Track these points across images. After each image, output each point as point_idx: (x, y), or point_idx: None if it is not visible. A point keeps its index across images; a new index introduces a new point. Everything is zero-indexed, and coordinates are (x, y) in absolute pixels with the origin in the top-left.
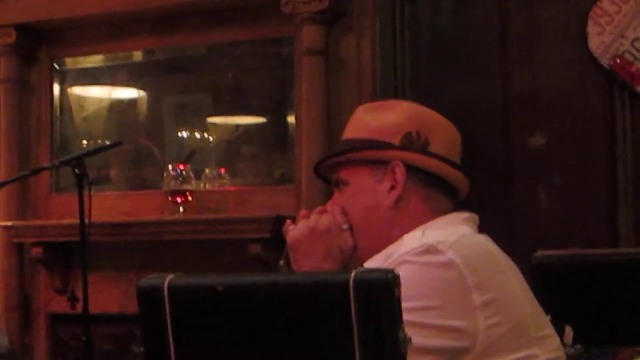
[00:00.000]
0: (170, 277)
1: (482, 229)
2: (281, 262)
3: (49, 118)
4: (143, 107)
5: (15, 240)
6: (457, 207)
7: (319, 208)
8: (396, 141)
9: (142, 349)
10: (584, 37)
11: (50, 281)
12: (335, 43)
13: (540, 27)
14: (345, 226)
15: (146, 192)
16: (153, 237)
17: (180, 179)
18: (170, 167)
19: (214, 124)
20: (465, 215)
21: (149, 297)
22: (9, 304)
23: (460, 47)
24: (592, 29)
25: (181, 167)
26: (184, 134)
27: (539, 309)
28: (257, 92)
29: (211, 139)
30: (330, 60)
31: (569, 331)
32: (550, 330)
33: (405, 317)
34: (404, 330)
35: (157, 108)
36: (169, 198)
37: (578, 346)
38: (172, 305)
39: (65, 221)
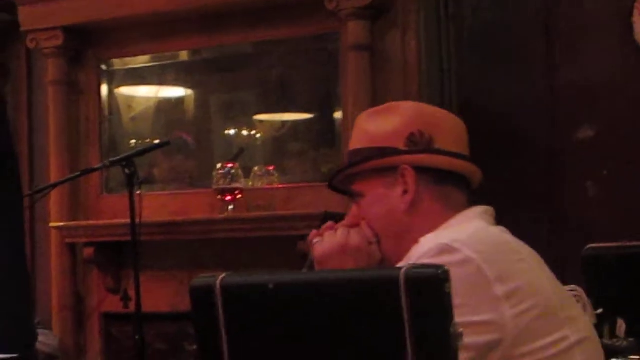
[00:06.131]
0: (222, 275)
1: (530, 223)
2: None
3: (97, 119)
4: (190, 106)
5: (67, 241)
6: (497, 198)
7: (345, 222)
8: (401, 144)
9: (195, 347)
10: (629, 27)
11: (102, 281)
12: (380, 38)
13: (585, 19)
14: (373, 240)
15: (195, 190)
16: (203, 236)
17: (229, 177)
18: (219, 165)
19: (261, 121)
20: (480, 209)
21: (201, 296)
22: (63, 304)
23: (505, 40)
24: (637, 20)
25: (230, 165)
26: (232, 131)
27: (564, 290)
28: (303, 88)
29: (258, 136)
30: (375, 56)
31: (621, 324)
32: (577, 310)
33: None
34: (455, 325)
35: (204, 106)
36: (218, 196)
37: (631, 339)
38: (224, 304)
39: (116, 221)
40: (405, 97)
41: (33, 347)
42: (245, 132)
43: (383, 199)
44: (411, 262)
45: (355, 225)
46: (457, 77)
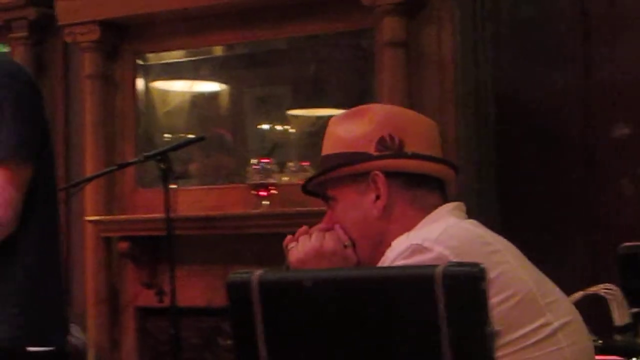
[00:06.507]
0: (259, 272)
1: (565, 220)
2: None
3: (133, 113)
4: (225, 101)
5: (102, 235)
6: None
7: (320, 226)
8: (371, 149)
9: (229, 342)
10: None
11: (137, 275)
12: (415, 34)
13: (622, 14)
14: (347, 243)
15: (230, 185)
16: (238, 231)
17: (264, 172)
18: (254, 161)
19: (295, 117)
20: (450, 206)
21: (238, 292)
22: (98, 298)
23: (542, 36)
24: None
25: (265, 160)
26: (265, 126)
27: (542, 277)
28: (338, 84)
29: (292, 131)
30: (411, 52)
31: None
32: (558, 294)
33: None
34: (490, 323)
35: (238, 101)
36: (253, 192)
37: None
38: (261, 300)
39: (152, 215)
40: (441, 94)
41: (66, 340)
42: (279, 127)
43: (356, 205)
44: (385, 265)
45: (329, 229)
46: (492, 73)
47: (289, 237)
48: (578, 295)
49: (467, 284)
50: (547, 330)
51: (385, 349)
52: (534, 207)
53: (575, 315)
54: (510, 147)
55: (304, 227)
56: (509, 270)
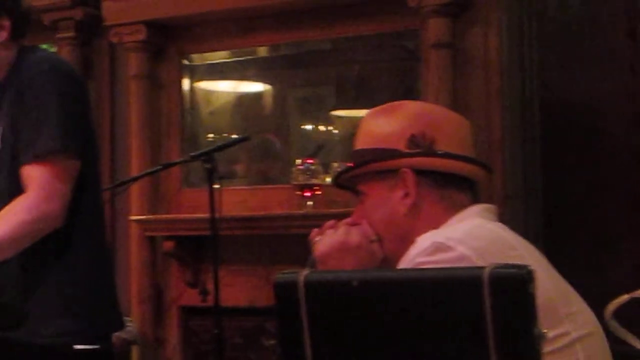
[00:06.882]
0: (305, 272)
1: (611, 220)
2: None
3: (178, 113)
4: (269, 101)
5: (147, 234)
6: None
7: (347, 220)
8: (402, 146)
9: (272, 342)
10: None
11: (181, 274)
12: (461, 35)
13: None
14: (374, 238)
15: (275, 186)
16: (282, 232)
17: (309, 173)
18: (298, 161)
19: (339, 117)
20: (480, 207)
21: (285, 292)
22: (142, 297)
23: (588, 38)
24: None
25: (309, 161)
26: (309, 127)
27: (565, 286)
28: (382, 85)
29: (336, 132)
30: (456, 53)
31: None
32: (580, 305)
33: None
34: (538, 325)
35: (282, 102)
36: (297, 192)
37: None
38: (307, 300)
39: (196, 215)
40: (487, 95)
41: (111, 338)
42: (322, 128)
43: (384, 201)
44: (408, 261)
45: (357, 224)
46: (539, 75)
47: (315, 230)
48: (624, 298)
49: (514, 286)
50: (565, 341)
51: (431, 350)
52: (581, 209)
53: (597, 328)
54: (557, 148)
55: (332, 221)
56: None
